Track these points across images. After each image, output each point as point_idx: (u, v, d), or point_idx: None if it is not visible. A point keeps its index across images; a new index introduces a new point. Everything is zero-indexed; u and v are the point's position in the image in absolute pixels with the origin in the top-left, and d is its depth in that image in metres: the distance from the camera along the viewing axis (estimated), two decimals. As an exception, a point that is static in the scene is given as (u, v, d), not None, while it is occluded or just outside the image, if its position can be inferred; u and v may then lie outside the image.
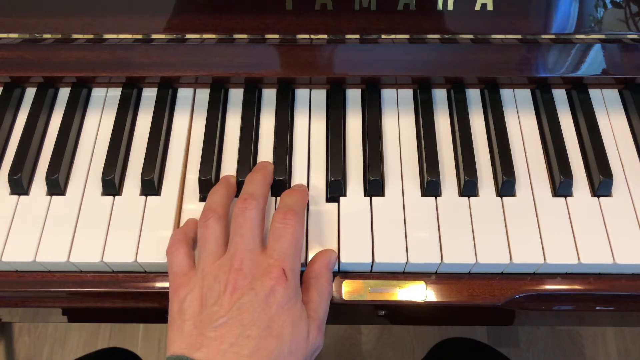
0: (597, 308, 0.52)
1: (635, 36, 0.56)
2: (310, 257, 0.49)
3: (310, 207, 0.52)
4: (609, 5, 0.54)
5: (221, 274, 0.44)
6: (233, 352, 0.41)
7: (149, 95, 0.59)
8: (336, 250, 0.49)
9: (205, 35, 0.56)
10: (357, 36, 0.56)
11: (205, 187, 0.52)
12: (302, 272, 0.48)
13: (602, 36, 0.56)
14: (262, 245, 0.46)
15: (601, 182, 0.52)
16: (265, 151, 0.55)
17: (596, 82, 0.59)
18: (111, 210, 0.52)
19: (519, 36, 0.56)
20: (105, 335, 1.34)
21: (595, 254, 0.49)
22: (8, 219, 0.51)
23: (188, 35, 0.56)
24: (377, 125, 0.56)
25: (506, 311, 0.57)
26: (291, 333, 0.43)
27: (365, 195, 0.52)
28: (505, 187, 0.52)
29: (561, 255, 0.49)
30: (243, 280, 0.43)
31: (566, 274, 0.51)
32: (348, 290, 0.50)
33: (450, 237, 0.50)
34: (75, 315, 0.64)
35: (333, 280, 0.50)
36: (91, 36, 0.57)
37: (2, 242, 0.50)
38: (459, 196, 0.52)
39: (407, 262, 0.49)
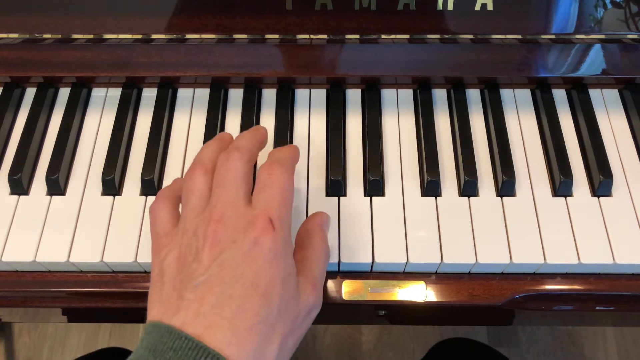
0: (597, 308, 0.52)
1: (635, 36, 0.56)
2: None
3: (310, 207, 0.52)
4: (609, 5, 0.54)
5: (200, 228, 0.39)
6: (214, 314, 0.36)
7: (149, 95, 0.59)
8: (336, 251, 0.49)
9: (205, 35, 0.56)
10: (357, 36, 0.56)
11: (205, 187, 0.52)
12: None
13: (602, 36, 0.56)
14: (246, 200, 0.41)
15: (601, 182, 0.52)
16: (265, 151, 0.55)
17: (596, 82, 0.59)
18: (111, 210, 0.52)
19: (519, 36, 0.56)
20: (105, 335, 1.34)
21: (595, 254, 0.49)
22: (8, 219, 0.51)
23: (188, 35, 0.56)
24: (377, 125, 0.56)
25: (506, 311, 0.57)
26: (280, 291, 0.38)
27: (365, 195, 0.52)
28: (505, 187, 0.52)
29: (561, 255, 0.49)
30: (224, 233, 0.38)
31: (566, 274, 0.51)
32: (348, 290, 0.50)
33: (450, 237, 0.50)
34: (75, 315, 0.64)
35: (332, 280, 0.50)
36: (91, 36, 0.57)
37: (2, 242, 0.50)
38: (459, 196, 0.52)
39: (407, 262, 0.49)
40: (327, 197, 0.52)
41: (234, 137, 0.47)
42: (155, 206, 0.43)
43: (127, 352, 0.80)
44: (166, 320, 0.37)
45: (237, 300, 0.37)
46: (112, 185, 0.52)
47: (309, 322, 0.42)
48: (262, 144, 0.47)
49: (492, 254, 0.49)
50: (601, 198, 0.52)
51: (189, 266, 0.38)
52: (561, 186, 0.52)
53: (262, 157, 0.52)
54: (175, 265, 0.39)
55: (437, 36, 0.56)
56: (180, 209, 0.44)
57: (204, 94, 0.59)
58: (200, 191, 0.42)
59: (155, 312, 0.39)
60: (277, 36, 0.56)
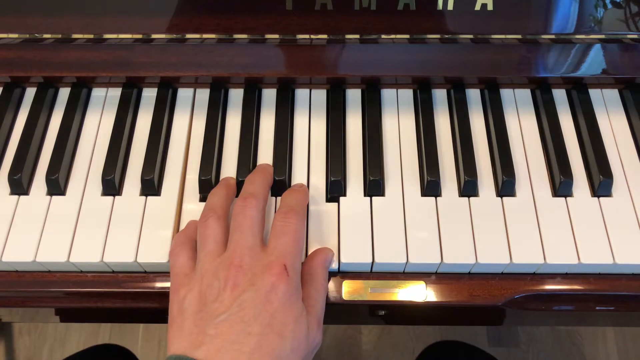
0: (597, 308, 0.52)
1: (635, 36, 0.56)
2: (307, 257, 0.49)
3: (310, 207, 0.52)
4: (609, 5, 0.54)
5: (221, 271, 0.43)
6: (234, 350, 0.40)
7: (149, 95, 0.59)
8: (336, 250, 0.49)
9: (205, 35, 0.56)
10: (357, 36, 0.56)
11: (206, 187, 0.52)
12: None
13: (602, 36, 0.56)
14: (262, 244, 0.46)
15: (601, 182, 0.52)
16: (265, 151, 0.55)
17: (596, 82, 0.59)
18: (111, 210, 0.52)
19: (519, 36, 0.56)
20: (105, 335, 1.34)
21: (595, 254, 0.49)
22: (8, 219, 0.51)
23: (188, 35, 0.56)
24: (377, 125, 0.56)
25: (506, 311, 0.57)
26: (293, 330, 0.42)
27: (365, 195, 0.52)
28: (505, 187, 0.52)
29: (561, 255, 0.49)
30: (243, 277, 0.42)
31: (566, 274, 0.51)
32: (348, 290, 0.50)
33: (450, 237, 0.50)
34: (75, 315, 0.64)
35: (332, 280, 0.50)
36: (91, 36, 0.57)
37: (2, 242, 0.50)
38: (459, 196, 0.52)
39: (407, 262, 0.49)
40: (327, 197, 0.52)
41: (246, 181, 0.51)
42: (176, 251, 0.47)
43: (122, 349, 0.80)
44: (189, 353, 0.40)
45: (255, 337, 0.41)
46: (112, 185, 0.52)
47: (312, 357, 0.46)
48: (271, 183, 0.52)
49: (492, 254, 0.49)
50: (601, 198, 0.52)
51: (210, 305, 0.42)
52: (561, 186, 0.52)
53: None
54: (196, 304, 0.43)
55: (437, 36, 0.56)
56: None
57: (204, 94, 0.59)
58: (216, 237, 0.46)
59: (177, 346, 0.42)
60: (277, 36, 0.56)
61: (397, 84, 0.59)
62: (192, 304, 0.43)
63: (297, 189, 0.51)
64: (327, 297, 0.50)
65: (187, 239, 0.48)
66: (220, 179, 0.53)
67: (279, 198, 0.52)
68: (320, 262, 0.48)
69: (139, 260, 0.49)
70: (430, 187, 0.52)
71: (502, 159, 0.53)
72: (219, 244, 0.46)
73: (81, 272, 0.51)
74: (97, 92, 0.60)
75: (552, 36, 0.56)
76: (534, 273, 0.51)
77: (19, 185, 0.52)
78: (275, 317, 0.42)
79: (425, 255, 0.49)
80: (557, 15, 0.55)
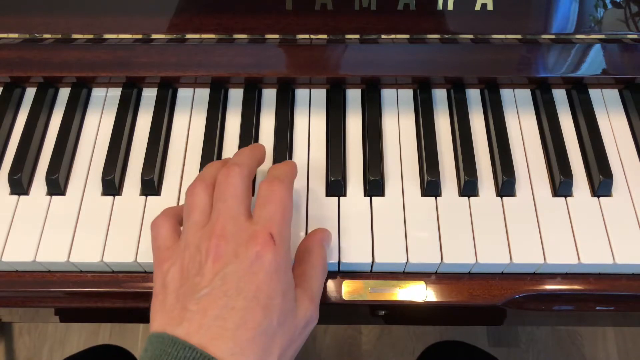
0: (597, 308, 0.52)
1: (635, 36, 0.56)
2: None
3: (310, 207, 0.52)
4: (609, 5, 0.54)
5: (203, 243, 0.41)
6: (217, 326, 0.38)
7: (149, 95, 0.59)
8: (336, 250, 0.49)
9: (205, 35, 0.56)
10: (357, 36, 0.56)
11: (205, 187, 0.52)
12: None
13: (602, 36, 0.56)
14: (247, 214, 0.43)
15: (601, 182, 0.52)
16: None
17: (596, 82, 0.59)
18: (111, 210, 0.52)
19: (519, 36, 0.56)
20: (105, 335, 1.34)
21: (595, 254, 0.49)
22: (8, 219, 0.51)
23: (188, 35, 0.56)
24: (377, 125, 0.56)
25: (506, 311, 0.57)
26: (280, 303, 0.40)
27: (365, 195, 0.52)
28: (505, 187, 0.52)
29: (561, 255, 0.49)
30: (226, 247, 0.40)
31: (566, 274, 0.51)
32: (348, 290, 0.50)
33: (450, 237, 0.50)
34: (75, 315, 0.64)
35: (332, 280, 0.50)
36: (91, 36, 0.57)
37: (2, 242, 0.50)
38: (459, 196, 0.52)
39: (407, 262, 0.49)
40: (327, 197, 0.52)
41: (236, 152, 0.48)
42: (158, 221, 0.45)
43: (121, 350, 0.80)
44: (170, 330, 0.38)
45: (239, 312, 0.38)
46: (112, 185, 0.52)
47: (306, 335, 0.44)
48: (261, 160, 0.49)
49: (492, 254, 0.49)
50: (601, 198, 0.52)
51: (192, 279, 0.40)
52: (561, 186, 0.52)
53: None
54: (178, 278, 0.40)
55: (437, 36, 0.56)
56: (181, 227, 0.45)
57: (204, 94, 0.59)
58: (202, 206, 0.43)
59: (158, 323, 0.40)
60: (277, 36, 0.56)
61: (397, 84, 0.59)
62: (174, 279, 0.41)
63: (284, 162, 0.49)
64: (328, 297, 0.50)
65: (172, 212, 0.46)
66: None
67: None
68: (316, 240, 0.47)
69: (139, 260, 0.49)
70: (430, 187, 0.52)
71: (502, 159, 0.53)
72: (204, 213, 0.43)
73: (81, 272, 0.51)
74: (97, 92, 0.60)
75: (552, 36, 0.56)
76: (534, 273, 0.51)
77: (19, 185, 0.53)
78: (260, 289, 0.39)
79: (425, 255, 0.49)
80: (557, 15, 0.55)
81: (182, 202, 0.53)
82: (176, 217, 0.46)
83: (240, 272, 0.39)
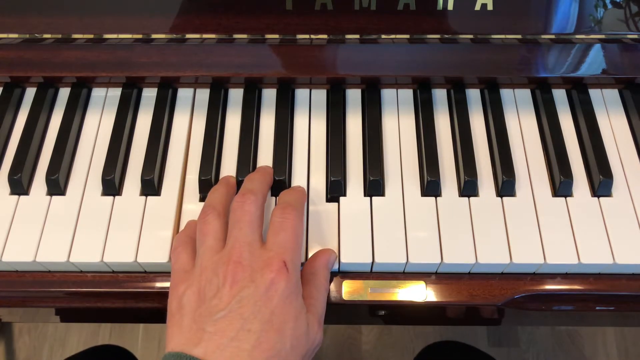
0: (597, 308, 0.52)
1: (635, 36, 0.56)
2: (310, 257, 0.49)
3: (310, 208, 0.52)
4: (609, 5, 0.54)
5: (220, 267, 0.43)
6: (233, 347, 0.39)
7: (149, 95, 0.59)
8: (336, 250, 0.49)
9: (205, 35, 0.56)
10: (357, 36, 0.56)
11: (206, 187, 0.52)
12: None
13: (602, 36, 0.56)
14: (261, 240, 0.45)
15: (601, 182, 0.52)
16: (265, 151, 0.55)
17: (596, 82, 0.59)
18: (111, 210, 0.52)
19: (519, 36, 0.56)
20: (105, 335, 1.34)
21: (595, 254, 0.49)
22: (8, 219, 0.51)
23: (188, 35, 0.56)
24: (377, 125, 0.56)
25: (506, 311, 0.57)
26: (293, 327, 0.42)
27: (365, 195, 0.52)
28: (505, 187, 0.52)
29: (561, 255, 0.49)
30: (242, 273, 0.42)
31: (566, 274, 0.51)
32: (348, 290, 0.50)
33: (450, 237, 0.50)
34: (75, 315, 0.64)
35: (332, 280, 0.50)
36: (91, 36, 0.57)
37: (2, 242, 0.50)
38: (459, 196, 0.52)
39: (407, 262, 0.49)
40: (327, 197, 0.52)
41: (242, 179, 0.51)
42: (179, 250, 0.47)
43: (121, 350, 0.80)
44: (187, 350, 0.40)
45: (255, 335, 0.40)
46: (112, 185, 0.52)
47: (312, 356, 0.45)
48: (270, 183, 0.51)
49: (492, 254, 0.49)
50: (601, 198, 0.52)
51: (209, 302, 0.41)
52: (561, 186, 0.52)
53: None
54: (195, 300, 0.42)
55: (437, 36, 0.56)
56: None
57: (204, 94, 0.59)
58: (215, 233, 0.45)
59: (175, 342, 0.41)
60: (277, 36, 0.56)
61: (397, 84, 0.59)
62: (191, 301, 0.42)
63: (295, 188, 0.52)
64: (328, 297, 0.50)
65: (188, 239, 0.48)
66: (220, 178, 0.53)
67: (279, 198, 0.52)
68: (322, 262, 0.48)
69: (139, 260, 0.49)
70: (430, 187, 0.52)
71: (502, 159, 0.53)
72: (218, 240, 0.45)
73: (81, 272, 0.51)
74: (97, 92, 0.60)
75: (552, 36, 0.56)
76: (534, 273, 0.51)
77: (19, 185, 0.52)
78: (275, 313, 0.41)
79: (425, 255, 0.49)
80: (557, 15, 0.55)
81: (182, 202, 0.53)
82: (192, 242, 0.48)
83: (256, 297, 0.41)
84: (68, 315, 0.62)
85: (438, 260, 0.49)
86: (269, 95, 0.59)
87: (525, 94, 0.59)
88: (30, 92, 0.59)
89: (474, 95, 0.59)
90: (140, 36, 0.56)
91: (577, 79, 0.58)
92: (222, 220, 0.46)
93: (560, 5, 0.55)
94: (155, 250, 0.49)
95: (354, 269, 0.51)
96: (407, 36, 0.56)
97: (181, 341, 0.41)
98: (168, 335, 0.43)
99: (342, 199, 0.52)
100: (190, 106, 0.58)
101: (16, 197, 0.53)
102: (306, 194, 0.52)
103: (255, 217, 0.45)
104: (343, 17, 0.55)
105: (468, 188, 0.52)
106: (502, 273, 0.51)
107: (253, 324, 0.40)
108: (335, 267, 0.50)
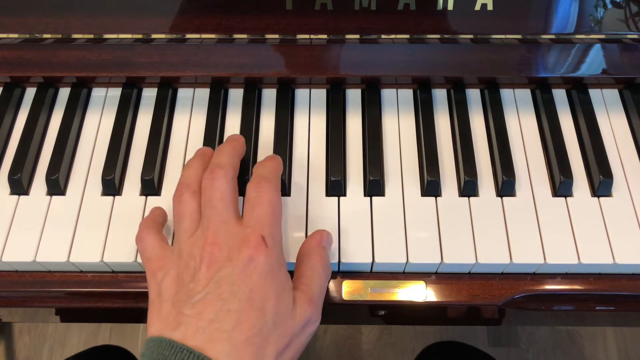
0: (597, 308, 0.52)
1: (635, 36, 0.56)
2: None
3: (310, 207, 0.52)
4: (609, 5, 0.54)
5: (195, 250, 0.42)
6: (213, 329, 0.38)
7: (149, 95, 0.59)
8: (336, 250, 0.49)
9: (205, 35, 0.56)
10: (357, 36, 0.56)
11: (205, 187, 0.52)
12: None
13: (602, 36, 0.56)
14: (236, 216, 0.44)
15: (601, 182, 0.52)
16: (265, 151, 0.55)
17: (596, 82, 0.59)
18: (111, 210, 0.52)
19: (519, 36, 0.56)
20: (105, 335, 1.34)
21: (595, 254, 0.49)
22: (8, 219, 0.51)
23: (188, 35, 0.56)
24: (377, 125, 0.56)
25: (506, 311, 0.57)
26: (275, 305, 0.40)
27: (365, 195, 0.52)
28: (505, 187, 0.52)
29: (561, 255, 0.49)
30: (219, 253, 0.41)
31: (566, 274, 0.51)
32: (348, 290, 0.50)
33: (450, 237, 0.50)
34: (75, 315, 0.64)
35: (332, 280, 0.50)
36: (91, 36, 0.57)
37: (2, 242, 0.50)
38: (459, 196, 0.52)
39: (407, 262, 0.49)
40: (327, 197, 0.52)
41: (222, 141, 0.49)
42: (141, 235, 0.46)
43: (121, 350, 0.80)
44: (167, 335, 0.39)
45: (234, 315, 0.39)
46: (112, 186, 0.52)
47: (306, 337, 0.44)
48: (242, 154, 0.49)
49: (492, 254, 0.49)
50: (601, 198, 0.52)
51: (186, 285, 0.41)
52: (561, 186, 0.52)
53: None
54: (174, 286, 0.41)
55: (437, 36, 0.56)
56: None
57: (204, 94, 0.59)
58: (191, 213, 0.44)
59: (155, 328, 0.41)
60: (277, 36, 0.56)
61: (397, 84, 0.59)
62: (169, 287, 0.42)
63: (268, 158, 0.49)
64: (328, 297, 0.50)
65: (151, 222, 0.47)
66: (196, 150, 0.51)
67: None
68: (315, 242, 0.47)
69: (139, 260, 0.49)
70: (430, 187, 0.52)
71: (502, 159, 0.53)
72: (194, 221, 0.44)
73: (81, 272, 0.51)
74: (97, 92, 0.60)
75: (552, 36, 0.56)
76: (534, 273, 0.51)
77: (19, 185, 0.52)
78: (254, 290, 0.40)
79: (425, 255, 0.49)
80: (557, 15, 0.55)
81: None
82: (156, 225, 0.47)
83: (234, 276, 0.40)
84: (68, 315, 0.62)
85: (438, 260, 0.49)
86: (269, 95, 0.59)
87: (525, 94, 0.59)
88: (30, 92, 0.59)
89: (474, 95, 0.59)
90: (140, 36, 0.56)
91: (577, 79, 0.58)
92: (197, 198, 0.45)
93: (560, 6, 0.55)
94: (155, 250, 0.49)
95: (354, 268, 0.51)
96: (407, 36, 0.56)
97: (160, 326, 0.40)
98: (148, 322, 0.42)
99: (342, 199, 0.52)
100: (190, 106, 0.58)
101: (16, 197, 0.53)
102: (281, 162, 0.50)
103: (227, 192, 0.44)
104: (343, 17, 0.55)
105: (468, 188, 0.52)
106: (502, 273, 0.51)
107: (232, 303, 0.39)
108: (335, 267, 0.50)
